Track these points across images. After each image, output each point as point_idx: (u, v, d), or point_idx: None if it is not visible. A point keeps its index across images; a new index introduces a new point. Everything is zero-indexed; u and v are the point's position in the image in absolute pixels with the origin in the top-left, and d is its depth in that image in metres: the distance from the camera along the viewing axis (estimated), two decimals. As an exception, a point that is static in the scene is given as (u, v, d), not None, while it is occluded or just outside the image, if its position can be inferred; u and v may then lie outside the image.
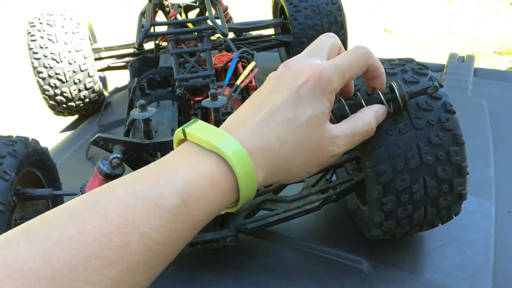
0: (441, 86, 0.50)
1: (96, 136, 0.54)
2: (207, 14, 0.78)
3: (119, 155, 0.53)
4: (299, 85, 0.37)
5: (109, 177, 0.53)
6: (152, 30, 0.77)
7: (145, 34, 0.70)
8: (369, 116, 0.43)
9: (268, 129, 0.36)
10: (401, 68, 0.51)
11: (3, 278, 0.24)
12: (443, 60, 1.11)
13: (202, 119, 0.73)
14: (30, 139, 0.60)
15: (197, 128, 0.35)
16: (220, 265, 0.61)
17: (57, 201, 0.65)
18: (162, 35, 0.77)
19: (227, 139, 0.34)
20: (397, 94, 0.44)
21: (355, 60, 0.40)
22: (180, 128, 0.36)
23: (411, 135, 0.48)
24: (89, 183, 0.56)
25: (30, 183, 0.61)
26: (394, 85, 0.44)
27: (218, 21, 0.75)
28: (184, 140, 0.36)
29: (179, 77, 0.73)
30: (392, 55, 0.45)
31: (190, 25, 0.82)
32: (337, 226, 0.65)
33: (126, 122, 0.69)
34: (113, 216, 0.29)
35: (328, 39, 0.42)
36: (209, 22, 0.78)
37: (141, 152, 0.56)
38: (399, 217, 0.51)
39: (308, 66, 0.39)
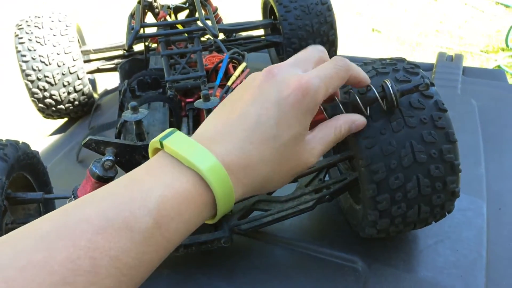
0: (432, 84, 0.51)
1: (87, 138, 0.54)
2: (197, 15, 0.78)
3: (111, 158, 0.53)
4: (284, 98, 0.36)
5: (101, 179, 0.53)
6: (142, 31, 0.77)
7: (135, 36, 0.70)
8: (343, 126, 0.43)
9: (252, 146, 0.35)
10: (392, 67, 0.51)
11: None
12: (431, 59, 1.12)
13: (194, 120, 0.73)
14: (20, 142, 0.59)
15: (175, 141, 0.34)
16: (214, 267, 0.60)
17: (48, 204, 0.64)
18: (152, 36, 0.77)
19: (205, 155, 0.33)
20: (389, 92, 0.45)
21: (336, 72, 0.40)
22: (157, 138, 0.34)
23: (404, 133, 0.48)
24: (81, 186, 0.55)
25: (21, 187, 0.60)
26: (385, 83, 0.45)
27: (208, 22, 0.75)
28: (159, 149, 0.35)
29: (170, 78, 0.73)
30: (380, 54, 0.45)
31: (180, 26, 0.82)
32: (331, 225, 0.65)
33: (117, 124, 0.69)
34: (81, 240, 0.27)
35: (316, 52, 0.42)
36: (199, 23, 0.77)
37: (133, 154, 0.56)
38: (393, 215, 0.51)
39: (293, 77, 0.38)
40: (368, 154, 0.48)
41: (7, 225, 0.55)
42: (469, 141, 0.80)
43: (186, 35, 0.77)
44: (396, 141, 0.48)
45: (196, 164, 0.32)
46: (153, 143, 0.35)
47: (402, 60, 0.54)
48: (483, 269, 0.58)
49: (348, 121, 0.44)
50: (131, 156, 0.56)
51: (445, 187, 0.50)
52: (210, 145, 0.34)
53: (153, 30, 0.91)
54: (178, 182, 0.32)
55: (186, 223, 0.32)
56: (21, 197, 0.56)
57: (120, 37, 1.08)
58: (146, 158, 0.57)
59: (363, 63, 0.54)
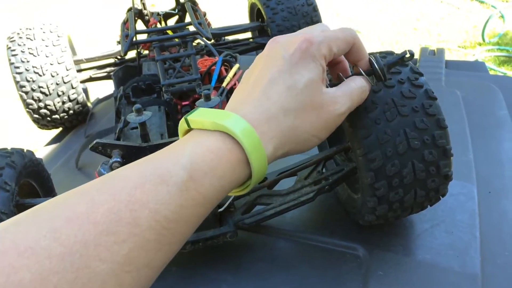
0: (421, 74, 0.53)
1: (94, 142, 0.55)
2: (187, 20, 0.80)
3: (119, 159, 0.54)
4: (291, 54, 0.38)
5: None
6: (135, 38, 0.78)
7: (130, 43, 0.71)
8: (358, 78, 0.44)
9: (270, 101, 0.37)
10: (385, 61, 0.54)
11: (13, 257, 0.25)
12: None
13: None
14: (25, 150, 0.60)
15: (199, 113, 0.36)
16: (220, 261, 0.62)
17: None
18: (147, 42, 0.78)
19: (230, 117, 0.35)
20: (375, 67, 0.45)
21: (342, 34, 0.41)
22: (183, 118, 0.36)
23: (397, 122, 0.50)
24: None
25: (28, 194, 0.61)
26: (372, 58, 0.45)
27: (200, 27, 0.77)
28: (189, 130, 0.37)
29: (165, 82, 0.74)
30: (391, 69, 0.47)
31: (170, 32, 0.84)
32: (331, 216, 0.67)
33: (115, 130, 0.70)
34: (121, 194, 0.29)
35: (320, 26, 0.44)
36: (191, 28, 0.79)
37: (139, 155, 0.57)
38: (391, 201, 0.54)
39: (297, 35, 0.39)
40: (365, 143, 0.51)
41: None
42: (456, 130, 0.83)
43: (177, 40, 0.79)
44: (390, 130, 0.50)
45: (222, 123, 0.34)
46: (181, 124, 0.37)
47: (390, 53, 0.56)
48: (478, 249, 0.61)
49: (359, 77, 0.44)
50: (137, 158, 0.57)
51: (439, 171, 0.53)
52: (232, 111, 0.36)
53: (145, 36, 0.93)
54: (208, 141, 0.34)
55: (221, 180, 0.33)
56: (30, 203, 0.57)
57: (109, 46, 1.09)
58: None
59: None
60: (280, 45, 0.39)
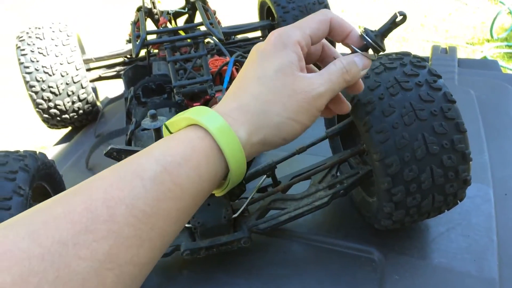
0: (439, 76, 0.52)
1: (109, 148, 0.55)
2: (197, 20, 0.79)
3: None
4: (263, 48, 0.39)
5: None
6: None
7: (142, 44, 0.70)
8: (338, 60, 0.42)
9: (241, 91, 0.38)
10: (399, 62, 0.53)
11: None
12: (418, 53, 1.14)
13: None
14: (37, 152, 0.60)
15: (177, 116, 0.37)
16: (233, 265, 0.62)
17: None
18: (159, 43, 0.77)
19: (198, 110, 0.36)
20: (369, 40, 0.42)
21: (312, 16, 0.41)
22: (163, 125, 0.38)
23: (416, 126, 0.49)
24: None
25: (40, 197, 0.61)
26: (363, 33, 0.43)
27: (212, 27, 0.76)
28: None
29: (177, 84, 0.74)
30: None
31: (181, 32, 0.83)
32: (345, 218, 0.67)
33: (127, 131, 0.69)
34: (97, 193, 0.29)
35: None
36: (202, 27, 0.78)
37: None
38: (409, 206, 0.53)
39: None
40: (382, 148, 0.50)
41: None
42: (471, 130, 0.81)
43: (189, 40, 0.78)
44: (408, 134, 0.49)
45: (188, 116, 0.35)
46: (164, 130, 0.38)
47: (408, 54, 0.55)
48: (495, 252, 0.60)
49: (342, 58, 0.42)
50: None
51: (458, 176, 0.52)
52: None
53: (155, 37, 0.92)
54: (179, 135, 0.35)
55: (196, 169, 0.33)
56: None
57: (118, 45, 1.09)
58: None
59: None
60: (257, 45, 0.41)
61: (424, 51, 2.89)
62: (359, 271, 0.59)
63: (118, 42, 1.11)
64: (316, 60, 0.45)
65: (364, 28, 0.43)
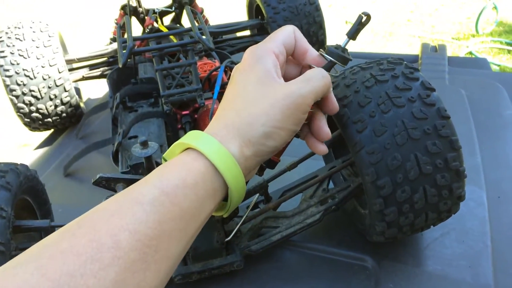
0: (433, 90, 0.50)
1: (97, 176, 0.53)
2: (184, 18, 0.76)
3: None
4: (240, 67, 0.41)
5: None
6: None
7: (129, 53, 0.67)
8: (317, 67, 0.43)
9: (226, 110, 0.39)
10: (391, 73, 0.51)
11: None
12: (405, 48, 1.13)
13: None
14: (19, 165, 0.57)
15: (170, 148, 0.39)
16: (224, 274, 0.60)
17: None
18: (146, 51, 0.74)
19: (189, 134, 0.37)
20: (329, 58, 0.43)
21: (281, 27, 0.43)
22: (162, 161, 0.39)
23: (408, 146, 0.47)
24: None
25: (21, 210, 0.58)
26: (322, 53, 0.43)
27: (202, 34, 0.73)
28: None
29: (165, 93, 0.71)
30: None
31: (172, 38, 0.80)
32: (337, 225, 0.65)
33: (113, 141, 0.67)
34: (100, 223, 0.30)
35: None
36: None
37: None
38: (401, 225, 0.51)
39: None
40: (373, 170, 0.48)
41: (11, 253, 0.53)
42: (463, 131, 0.81)
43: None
44: (401, 155, 0.47)
45: (181, 141, 0.37)
46: (163, 162, 0.39)
47: (400, 62, 0.53)
48: (490, 258, 0.59)
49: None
50: None
51: (452, 193, 0.50)
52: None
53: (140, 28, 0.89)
54: (173, 160, 0.36)
55: (194, 189, 0.34)
56: (27, 226, 0.54)
57: (102, 44, 1.06)
58: None
59: (360, 67, 0.54)
60: (236, 66, 0.42)
61: (410, 46, 2.89)
62: (353, 279, 0.58)
63: (103, 37, 1.08)
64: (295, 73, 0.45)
65: (326, 46, 0.44)
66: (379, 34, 3.10)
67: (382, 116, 0.48)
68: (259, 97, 0.39)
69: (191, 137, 0.37)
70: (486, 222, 0.64)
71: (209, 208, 0.36)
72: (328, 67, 0.43)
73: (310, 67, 0.44)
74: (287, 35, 0.42)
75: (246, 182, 0.47)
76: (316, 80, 0.40)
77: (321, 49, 0.44)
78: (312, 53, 0.44)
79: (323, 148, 0.44)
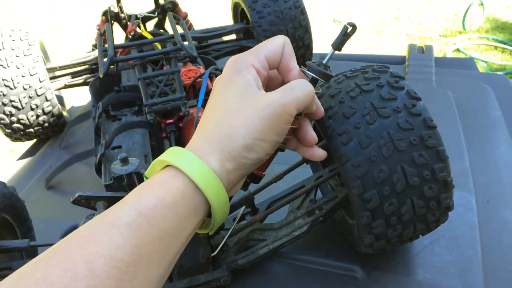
0: (419, 99, 0.48)
1: (76, 195, 0.52)
2: (167, 24, 0.74)
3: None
4: (221, 79, 0.40)
5: None
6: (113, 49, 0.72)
7: (110, 63, 0.65)
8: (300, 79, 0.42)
9: (206, 123, 0.38)
10: (376, 82, 0.49)
11: None
12: (393, 46, 1.13)
13: (176, 143, 0.71)
14: None
15: (151, 165, 0.37)
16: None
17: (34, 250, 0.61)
18: (127, 60, 0.72)
19: (169, 151, 0.36)
20: (310, 74, 0.42)
21: (266, 40, 0.42)
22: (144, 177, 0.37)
23: (395, 158, 0.46)
24: None
25: (1, 229, 0.56)
26: (303, 69, 0.42)
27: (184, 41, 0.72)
28: None
29: (149, 102, 0.69)
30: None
31: (158, 44, 0.78)
32: (326, 235, 0.64)
33: (96, 152, 0.65)
34: (75, 250, 0.29)
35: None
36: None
37: None
38: (390, 237, 0.50)
39: None
40: (360, 183, 0.46)
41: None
42: (450, 134, 0.81)
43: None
44: (387, 167, 0.46)
45: (160, 159, 0.35)
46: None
47: (385, 71, 0.52)
48: (480, 265, 0.59)
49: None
50: None
51: (440, 204, 0.49)
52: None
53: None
54: (152, 179, 0.35)
55: (173, 208, 0.32)
56: (5, 246, 0.53)
57: (84, 50, 1.04)
58: None
59: (345, 76, 0.53)
60: (217, 78, 0.41)
61: (398, 44, 2.89)
62: (343, 291, 0.57)
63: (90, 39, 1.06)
64: (279, 84, 0.44)
65: (307, 64, 0.43)
66: (367, 33, 3.10)
67: (367, 127, 0.47)
68: (239, 108, 0.37)
69: (170, 154, 0.36)
70: (475, 227, 0.64)
71: (190, 227, 0.34)
72: (311, 83, 0.42)
73: None
74: (273, 49, 0.41)
75: (231, 197, 0.46)
76: (298, 89, 0.39)
77: (302, 66, 0.43)
78: (295, 72, 0.42)
79: (320, 153, 0.43)
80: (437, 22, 3.18)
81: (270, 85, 0.43)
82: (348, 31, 0.42)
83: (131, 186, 0.55)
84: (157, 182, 0.34)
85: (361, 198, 0.47)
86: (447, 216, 0.52)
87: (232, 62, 0.40)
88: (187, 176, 0.34)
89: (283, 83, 0.42)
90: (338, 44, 0.42)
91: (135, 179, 0.55)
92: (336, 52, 0.44)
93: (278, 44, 0.41)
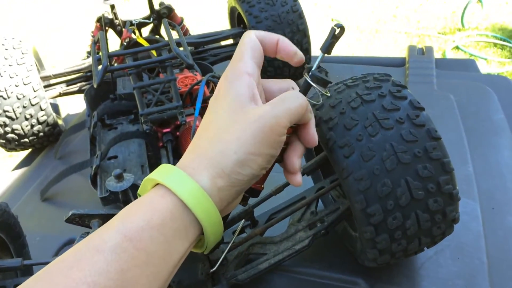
0: (422, 109, 0.47)
1: (70, 213, 0.50)
2: (163, 30, 0.73)
3: None
4: (215, 95, 0.39)
5: None
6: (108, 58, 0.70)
7: (104, 72, 0.63)
8: (293, 90, 0.41)
9: (199, 139, 0.37)
10: (378, 92, 0.48)
11: None
12: (391, 44, 1.11)
13: (173, 152, 0.69)
14: None
15: (142, 183, 0.36)
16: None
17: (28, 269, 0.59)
18: (122, 69, 0.71)
19: (159, 169, 0.35)
20: (313, 84, 0.41)
21: (241, 39, 0.41)
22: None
23: (398, 171, 0.45)
24: None
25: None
26: (305, 79, 0.41)
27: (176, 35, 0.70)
28: None
29: (145, 112, 0.68)
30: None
31: (154, 52, 0.77)
32: (328, 247, 0.63)
33: (91, 164, 0.64)
34: (58, 277, 0.28)
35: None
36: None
37: None
38: (394, 251, 0.49)
39: None
40: (363, 197, 0.45)
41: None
42: (453, 139, 0.79)
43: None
44: (391, 181, 0.45)
45: (149, 177, 0.35)
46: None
47: (387, 79, 0.50)
48: (486, 275, 0.57)
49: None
50: None
51: (445, 217, 0.48)
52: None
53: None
54: (140, 198, 0.34)
55: (161, 229, 0.31)
56: None
57: (79, 57, 1.02)
58: None
59: (345, 85, 0.51)
60: (213, 95, 0.40)
61: (396, 43, 2.88)
62: (346, 305, 0.56)
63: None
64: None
65: (305, 73, 0.42)
66: (365, 31, 3.08)
67: (369, 139, 0.45)
68: (230, 123, 0.36)
69: (160, 172, 0.35)
70: (481, 236, 0.62)
71: (182, 247, 0.33)
72: (304, 90, 0.41)
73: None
74: (251, 46, 0.40)
75: (229, 214, 0.44)
76: (290, 100, 0.37)
77: (304, 72, 0.42)
78: (282, 40, 0.41)
79: (296, 180, 0.41)
80: (435, 19, 3.16)
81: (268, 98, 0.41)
82: (336, 33, 0.40)
83: (126, 203, 0.54)
84: (145, 202, 0.33)
85: (364, 213, 0.45)
86: (452, 228, 0.51)
87: (224, 75, 0.39)
88: (175, 195, 0.33)
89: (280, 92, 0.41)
90: (327, 47, 0.41)
91: (130, 195, 0.54)
92: (336, 53, 0.43)
93: (252, 39, 0.40)
